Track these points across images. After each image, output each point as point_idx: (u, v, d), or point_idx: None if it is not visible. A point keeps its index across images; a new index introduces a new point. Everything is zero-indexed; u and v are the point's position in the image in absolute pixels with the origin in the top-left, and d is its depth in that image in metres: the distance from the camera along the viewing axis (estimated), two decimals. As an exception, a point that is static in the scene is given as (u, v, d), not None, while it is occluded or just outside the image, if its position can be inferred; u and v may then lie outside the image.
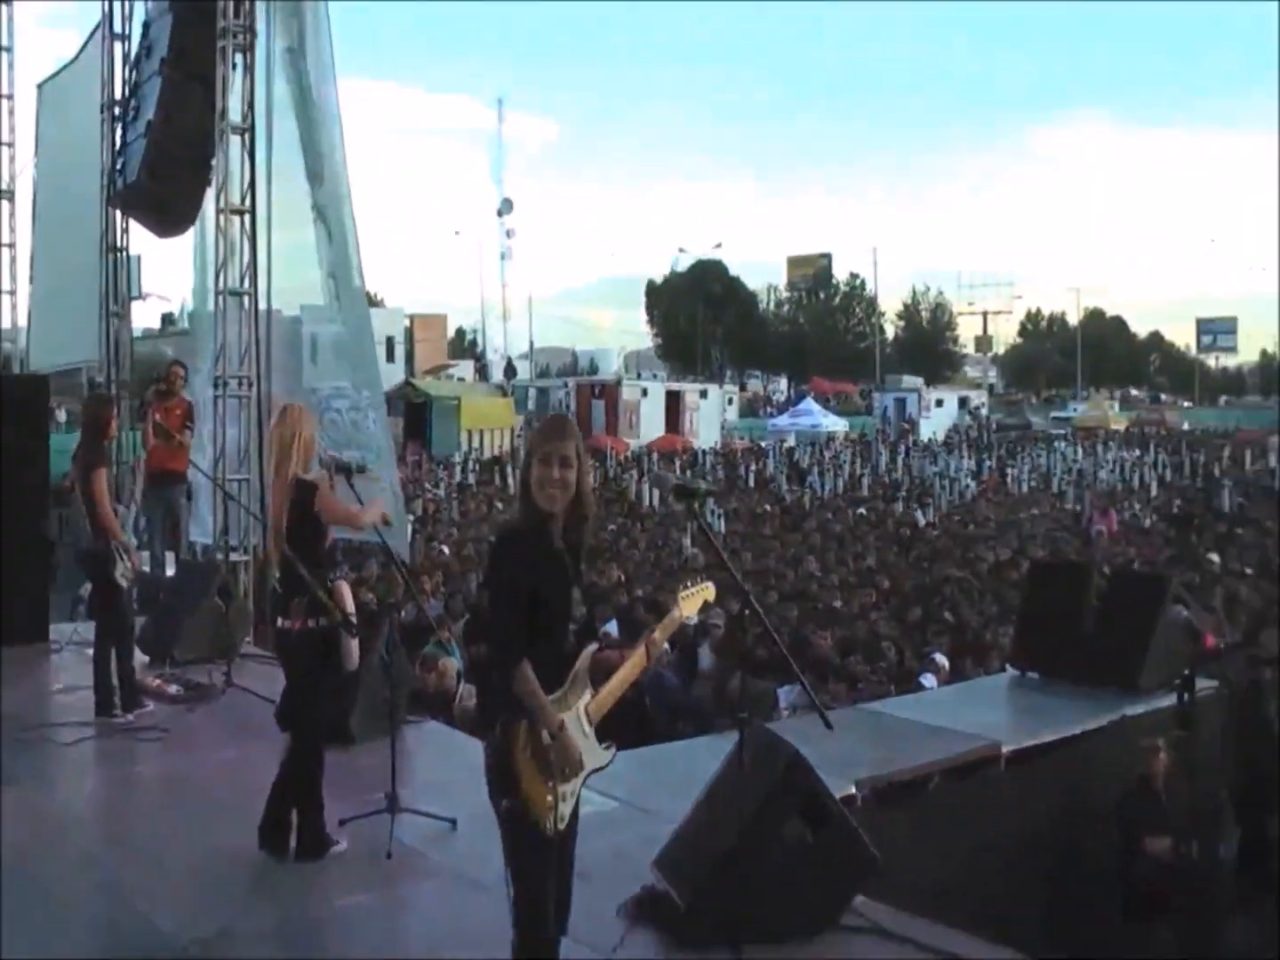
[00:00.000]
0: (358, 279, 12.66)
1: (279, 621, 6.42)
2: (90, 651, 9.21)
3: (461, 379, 67.39)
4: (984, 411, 73.63)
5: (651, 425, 54.93)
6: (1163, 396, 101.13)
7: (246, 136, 12.39)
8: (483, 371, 74.36)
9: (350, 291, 12.69)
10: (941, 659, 11.81)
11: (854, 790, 6.93)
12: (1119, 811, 8.24)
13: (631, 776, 7.01)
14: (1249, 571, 17.89)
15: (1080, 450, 47.44)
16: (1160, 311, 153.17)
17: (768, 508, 29.09)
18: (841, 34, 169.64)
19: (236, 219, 12.40)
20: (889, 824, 6.61)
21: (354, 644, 6.37)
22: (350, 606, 6.30)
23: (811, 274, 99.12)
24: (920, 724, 8.54)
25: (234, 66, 12.34)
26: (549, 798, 4.13)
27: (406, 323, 69.04)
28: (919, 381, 78.38)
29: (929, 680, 11.23)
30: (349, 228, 12.43)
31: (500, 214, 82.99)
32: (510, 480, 32.39)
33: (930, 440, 56.49)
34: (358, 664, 6.52)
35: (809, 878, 5.38)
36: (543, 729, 4.10)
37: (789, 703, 10.85)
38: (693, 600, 4.68)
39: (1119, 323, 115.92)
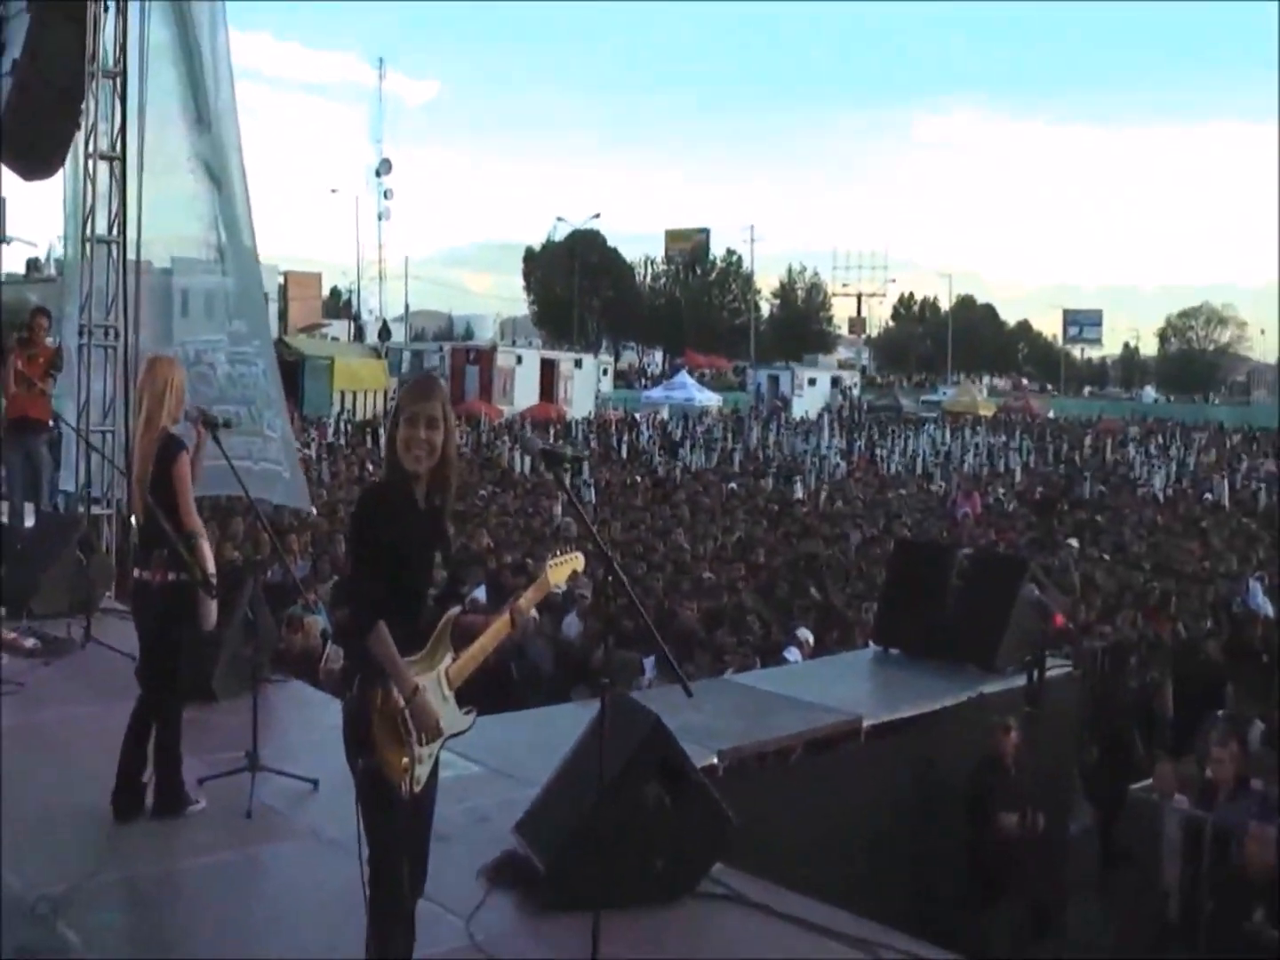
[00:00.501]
0: (247, 229, 12.42)
1: (137, 573, 6.31)
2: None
3: (335, 339, 66.38)
4: (856, 392, 74.48)
5: (526, 393, 54.69)
6: (1026, 383, 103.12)
7: (118, 81, 12.07)
8: (358, 333, 73.42)
9: (238, 241, 12.45)
10: (806, 634, 11.96)
11: (715, 760, 7.00)
12: (970, 787, 8.43)
13: (494, 741, 7.02)
14: (1106, 557, 18.38)
15: (948, 434, 48.23)
16: (1029, 301, 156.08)
17: (638, 479, 29.18)
18: (733, 17, 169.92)
19: (105, 165, 12.09)
20: (750, 794, 6.69)
21: (212, 605, 6.25)
22: (210, 566, 6.19)
23: (689, 248, 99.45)
24: (783, 696, 8.65)
25: (106, 8, 11.99)
26: (404, 760, 4.12)
27: (280, 280, 67.87)
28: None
29: (793, 654, 11.38)
30: (237, 177, 12.19)
31: (378, 174, 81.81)
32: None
33: (803, 418, 57.02)
34: (215, 624, 6.39)
35: (668, 844, 5.43)
36: (397, 692, 4.09)
37: (655, 672, 10.93)
38: (561, 569, 4.69)
39: (989, 310, 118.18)
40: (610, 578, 4.74)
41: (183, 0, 12.35)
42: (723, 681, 9.63)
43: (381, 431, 34.99)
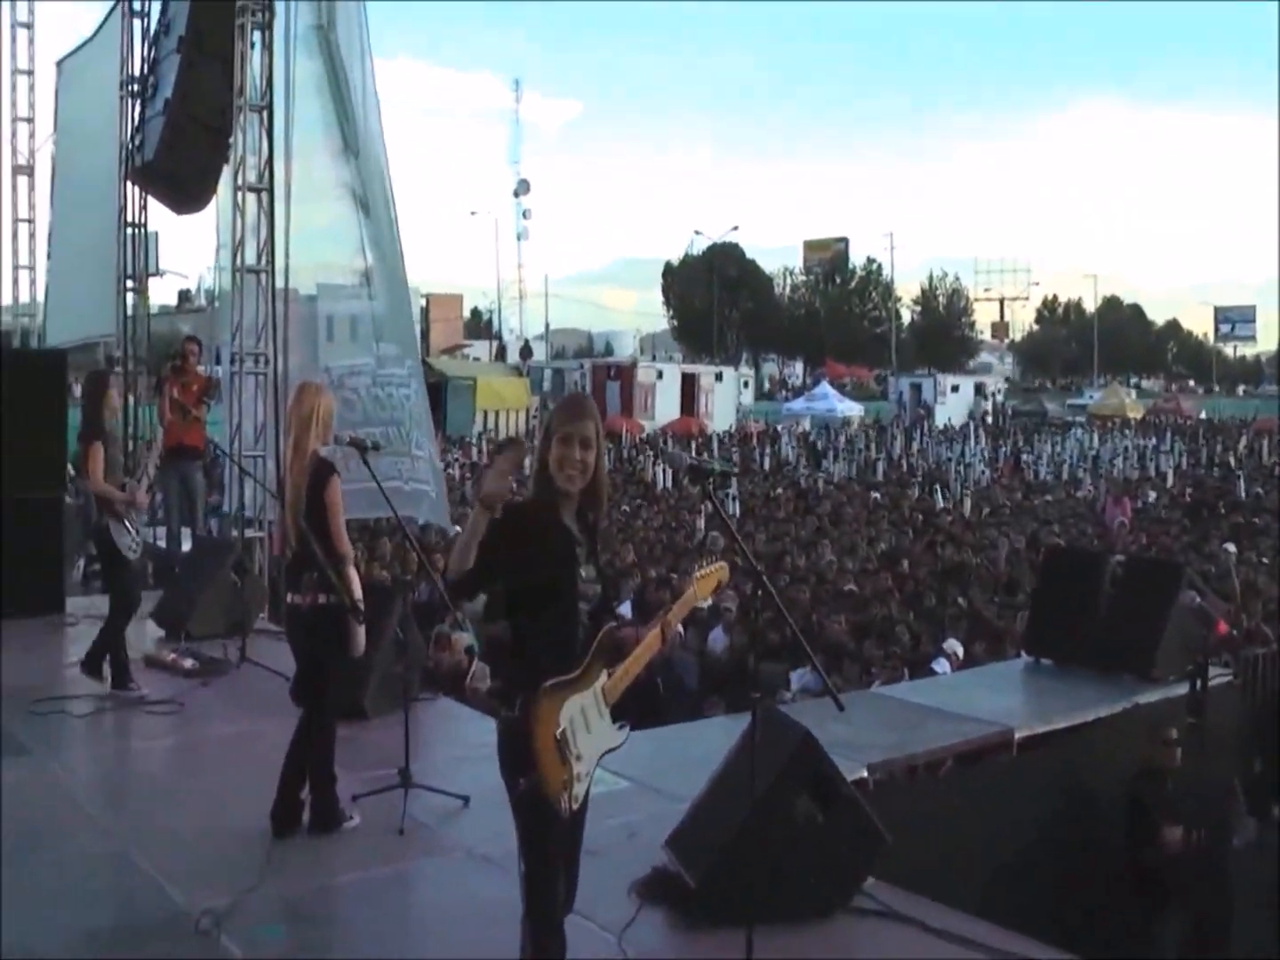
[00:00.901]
0: (396, 253, 12.61)
1: (290, 597, 6.43)
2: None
3: (477, 359, 67.38)
4: (1000, 398, 73.40)
5: (667, 407, 54.85)
6: (1176, 384, 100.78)
7: (265, 114, 12.37)
8: (499, 352, 74.32)
9: (387, 265, 12.65)
10: (955, 645, 11.79)
11: (865, 773, 6.94)
12: (1130, 799, 8.22)
13: (644, 757, 7.04)
14: (1265, 560, 17.84)
15: (1096, 438, 47.26)
16: (1178, 300, 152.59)
17: (781, 491, 29.05)
18: (863, 25, 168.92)
19: (254, 197, 12.39)
20: (900, 807, 6.61)
21: (360, 630, 6.35)
22: (358, 592, 6.29)
23: (828, 258, 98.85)
24: (933, 709, 8.54)
25: (253, 44, 12.31)
26: (564, 777, 4.13)
27: (422, 302, 68.98)
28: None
29: (942, 666, 11.23)
30: (385, 203, 12.39)
31: (517, 194, 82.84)
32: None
33: (946, 426, 56.34)
34: (364, 648, 6.49)
35: (819, 859, 5.39)
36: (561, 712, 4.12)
37: (801, 685, 10.88)
38: (707, 581, 4.65)
39: (1136, 310, 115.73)
40: (759, 591, 4.70)
41: (329, 31, 12.62)
42: (871, 694, 9.54)
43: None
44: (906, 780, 7.47)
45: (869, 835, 5.58)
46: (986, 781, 7.71)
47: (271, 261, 12.37)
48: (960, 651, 11.72)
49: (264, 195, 12.38)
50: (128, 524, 8.87)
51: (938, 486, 28.59)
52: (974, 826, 7.31)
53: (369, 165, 12.57)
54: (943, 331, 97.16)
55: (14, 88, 17.32)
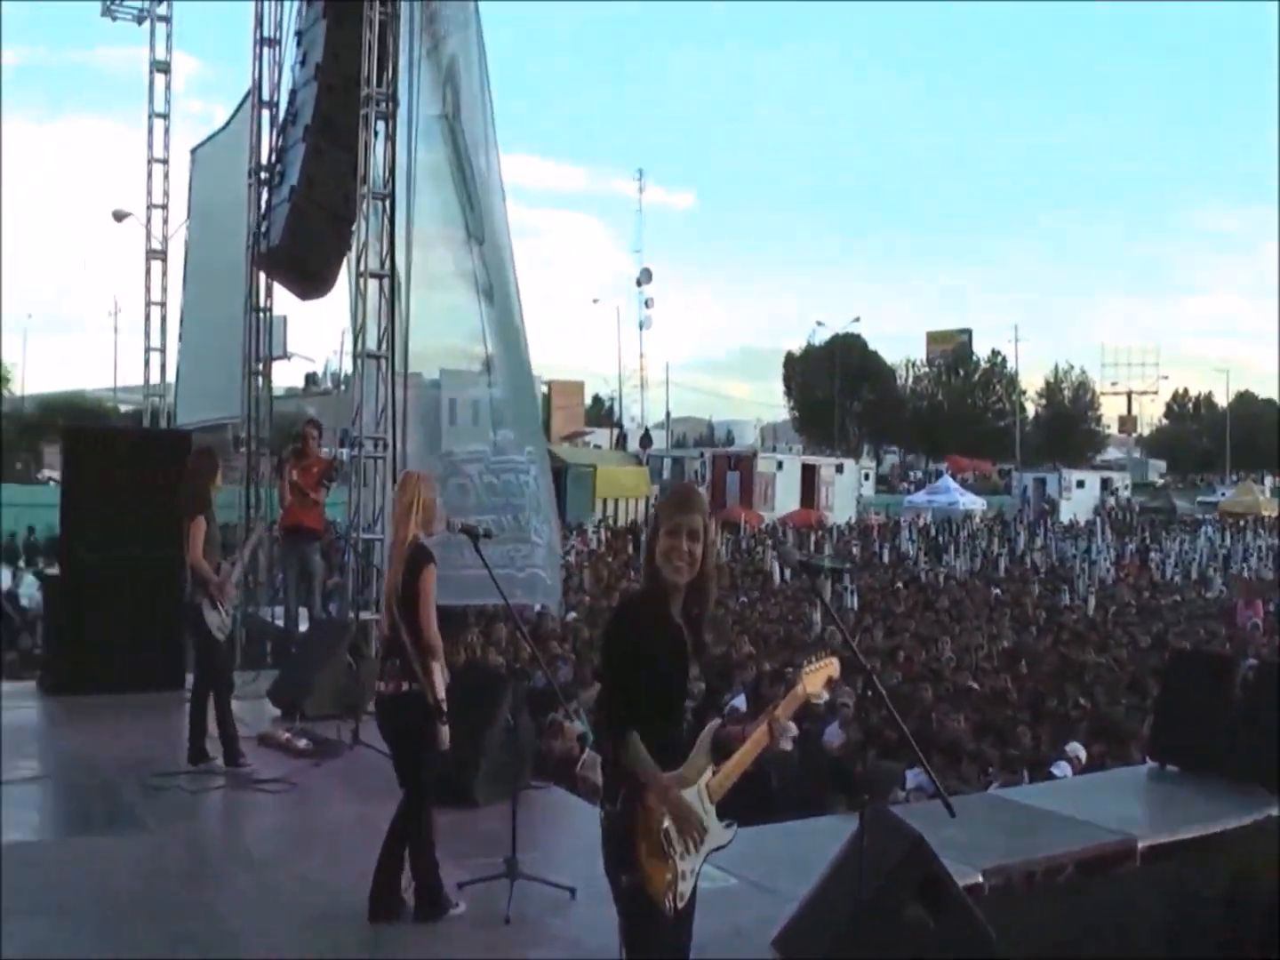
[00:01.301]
0: (520, 339, 12.73)
1: (379, 684, 6.44)
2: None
3: (598, 446, 67.80)
4: (1126, 494, 72.12)
5: (787, 498, 54.65)
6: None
7: (387, 202, 12.59)
8: (620, 440, 74.74)
9: (511, 351, 12.76)
10: (1077, 747, 11.47)
11: (980, 879, 6.71)
12: (1266, 918, 7.86)
13: (753, 855, 6.87)
14: None
15: (1228, 536, 46.14)
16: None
17: (900, 585, 28.70)
18: (989, 111, 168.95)
19: (375, 283, 12.58)
20: (1017, 916, 6.39)
21: (443, 727, 6.30)
22: (442, 690, 6.25)
23: (951, 349, 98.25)
24: (1052, 813, 8.26)
25: (376, 133, 12.56)
26: (668, 875, 4.06)
27: (545, 388, 69.70)
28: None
29: (1063, 769, 10.91)
30: (510, 290, 12.52)
31: (639, 283, 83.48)
32: (643, 549, 32.34)
33: (1071, 521, 55.40)
34: (446, 744, 6.42)
35: (930, 965, 5.21)
36: (653, 796, 4.04)
37: (916, 784, 10.62)
38: (816, 675, 4.54)
39: (1270, 405, 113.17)
40: (869, 690, 4.62)
41: (453, 119, 12.84)
42: (988, 796, 9.29)
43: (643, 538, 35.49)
44: (1024, 887, 7.22)
45: (980, 942, 5.38)
46: (1108, 892, 7.43)
47: (392, 347, 12.53)
48: (1083, 755, 11.39)
49: (385, 281, 12.55)
50: (219, 604, 8.95)
51: (1065, 585, 28.03)
52: (1094, 938, 7.04)
53: (493, 252, 12.72)
54: (1068, 425, 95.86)
55: (149, 175, 17.83)
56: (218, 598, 8.93)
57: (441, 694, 6.22)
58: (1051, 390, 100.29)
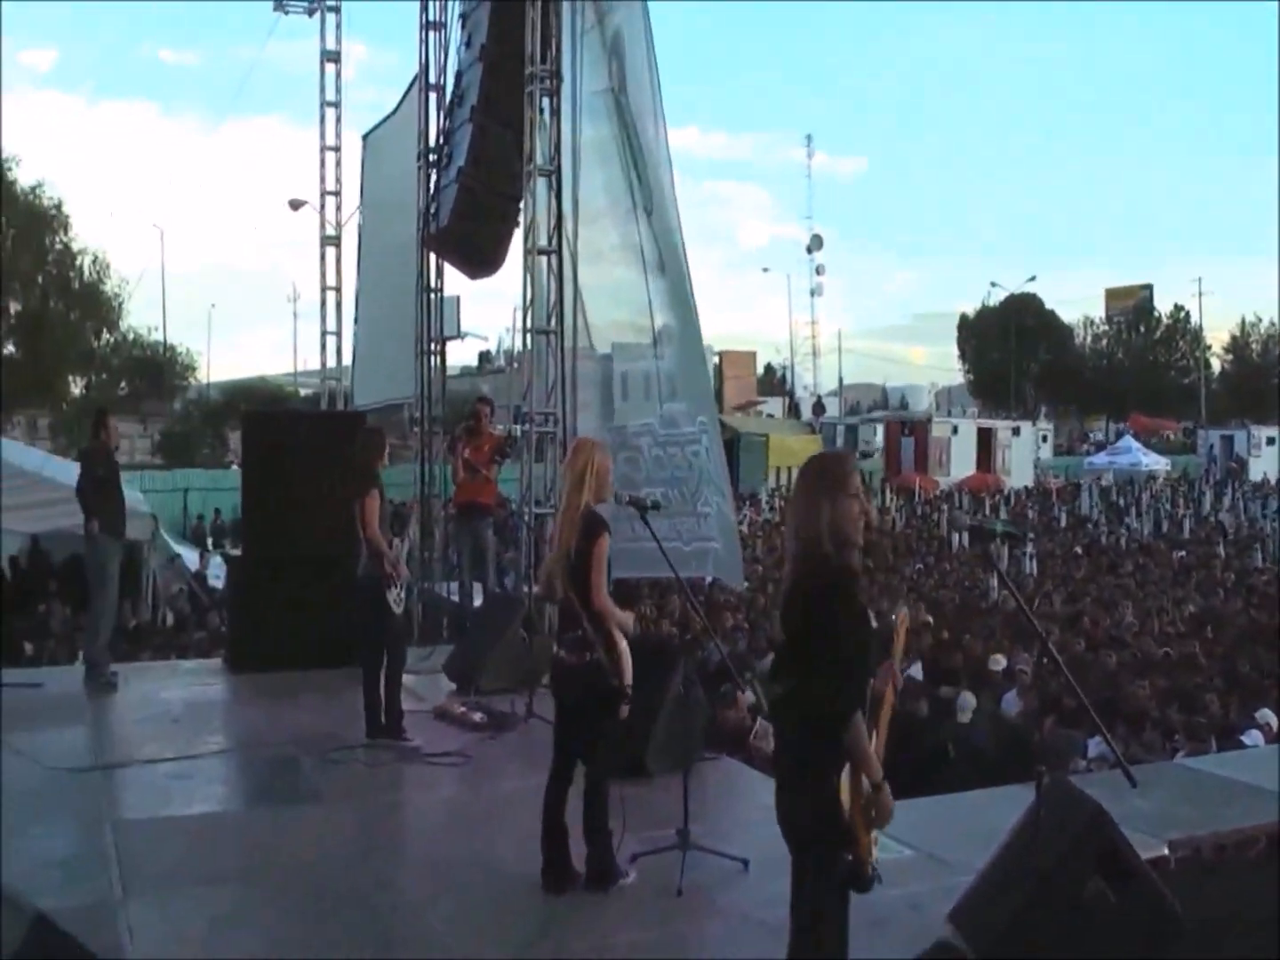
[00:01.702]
0: (691, 310, 12.71)
1: (556, 650, 6.47)
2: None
3: (770, 415, 67.51)
4: (1321, 450, 69.43)
5: (962, 463, 53.83)
6: None
7: (553, 179, 12.64)
8: (793, 408, 74.32)
9: (683, 322, 12.76)
10: (1268, 714, 11.08)
11: (1166, 851, 6.53)
12: None
13: (929, 826, 6.82)
14: None
15: None
16: None
17: (1079, 550, 28.06)
18: (1162, 58, 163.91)
19: (544, 259, 12.66)
20: (1206, 891, 6.20)
21: (625, 708, 6.29)
22: (629, 674, 6.24)
23: (1131, 306, 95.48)
24: (1244, 784, 7.99)
25: (541, 111, 12.61)
26: (872, 849, 4.11)
27: (716, 359, 69.71)
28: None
29: (1254, 738, 10.56)
30: (682, 260, 12.50)
31: (810, 250, 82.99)
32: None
33: (1262, 480, 53.51)
34: (625, 714, 6.42)
35: (1110, 941, 5.06)
36: (867, 779, 4.13)
37: (1098, 754, 10.39)
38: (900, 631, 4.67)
39: None
40: (1044, 657, 4.57)
41: (619, 93, 12.83)
42: (1174, 765, 9.03)
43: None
44: (1214, 860, 7.01)
45: (1165, 917, 5.22)
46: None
47: (561, 322, 12.60)
48: (1274, 722, 11.01)
49: (553, 258, 12.62)
50: (394, 578, 9.10)
51: (1256, 545, 27.07)
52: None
53: (662, 224, 12.69)
54: (1257, 380, 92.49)
55: (323, 163, 18.20)
56: (393, 572, 9.09)
57: (629, 677, 6.22)
58: (1238, 344, 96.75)
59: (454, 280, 15.37)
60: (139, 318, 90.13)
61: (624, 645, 6.25)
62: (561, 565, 6.28)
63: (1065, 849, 5.07)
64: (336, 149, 18.15)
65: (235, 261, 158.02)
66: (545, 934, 5.64)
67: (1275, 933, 6.57)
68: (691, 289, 12.69)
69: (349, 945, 5.69)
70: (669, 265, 12.58)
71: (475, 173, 13.19)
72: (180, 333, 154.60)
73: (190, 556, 23.00)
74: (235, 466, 36.53)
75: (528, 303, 12.80)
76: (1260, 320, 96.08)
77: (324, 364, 18.79)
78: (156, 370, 61.77)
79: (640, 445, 12.70)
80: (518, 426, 14.76)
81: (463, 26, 14.20)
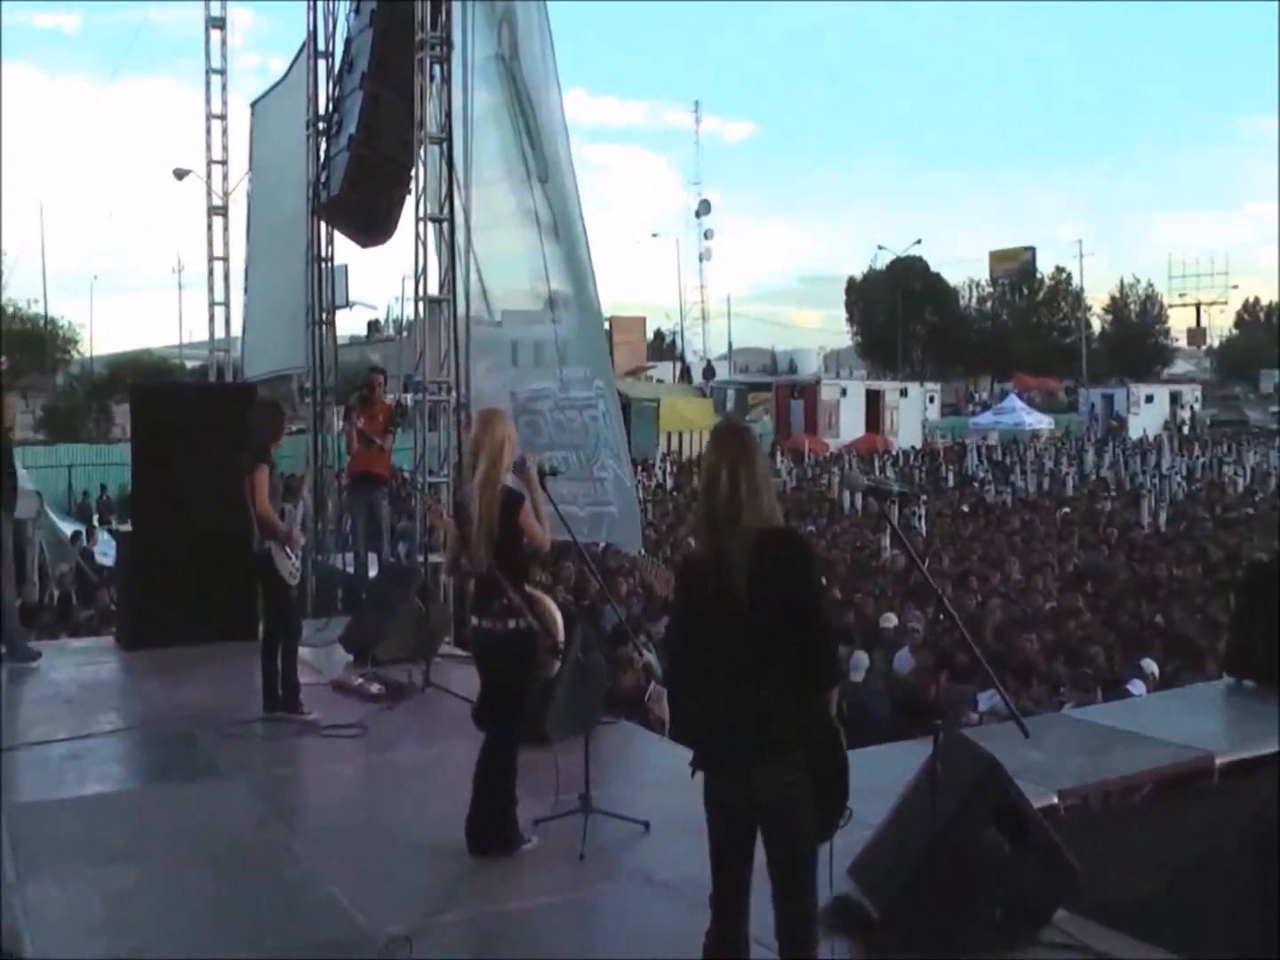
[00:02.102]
0: (588, 276, 12.70)
1: (478, 621, 6.49)
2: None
3: (661, 380, 67.65)
4: (1197, 407, 71.10)
5: (851, 425, 54.44)
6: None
7: (444, 146, 12.56)
8: (683, 373, 74.54)
9: (579, 288, 12.74)
10: (1151, 665, 11.41)
11: (1056, 800, 6.72)
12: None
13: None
14: None
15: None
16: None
17: (966, 508, 28.54)
18: (1046, 29, 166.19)
19: (435, 227, 12.59)
20: (1093, 836, 6.39)
21: (554, 660, 6.39)
22: (560, 630, 6.33)
23: (1015, 268, 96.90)
24: (1127, 732, 8.23)
25: (432, 77, 12.52)
26: None
27: (605, 325, 69.75)
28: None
29: (1138, 687, 10.86)
30: (578, 225, 12.49)
31: (698, 215, 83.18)
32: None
33: (1141, 438, 54.73)
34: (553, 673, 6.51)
35: (1007, 890, 5.21)
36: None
37: (989, 707, 10.62)
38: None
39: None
40: (940, 614, 4.65)
41: (510, 60, 12.75)
42: (1062, 716, 9.27)
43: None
44: (1100, 807, 7.22)
45: (1059, 866, 5.38)
46: (1185, 810, 7.41)
47: (454, 290, 12.55)
48: (1157, 672, 11.33)
49: (445, 225, 12.56)
50: (288, 550, 9.05)
51: (1142, 501, 27.68)
52: (1172, 857, 7.03)
53: (557, 190, 12.65)
54: (1135, 340, 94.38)
55: (209, 132, 17.91)
56: (287, 544, 9.03)
57: (560, 634, 6.31)
58: (1118, 305, 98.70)
59: (342, 249, 15.22)
60: (18, 290, 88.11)
61: (551, 604, 6.34)
62: (485, 538, 6.31)
63: (961, 802, 5.20)
64: (223, 117, 17.83)
65: (118, 231, 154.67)
66: (451, 899, 5.67)
67: (1157, 877, 6.81)
68: (589, 254, 12.70)
69: (252, 917, 5.70)
70: (564, 232, 12.56)
71: (366, 140, 13.06)
72: (61, 305, 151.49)
73: (71, 533, 22.59)
74: (122, 441, 35.95)
75: (419, 271, 12.73)
76: (1139, 281, 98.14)
77: (212, 335, 18.51)
78: (37, 343, 60.43)
79: (540, 410, 12.69)
80: (409, 396, 14.68)
81: (353, -8, 14.01)
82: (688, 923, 5.39)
